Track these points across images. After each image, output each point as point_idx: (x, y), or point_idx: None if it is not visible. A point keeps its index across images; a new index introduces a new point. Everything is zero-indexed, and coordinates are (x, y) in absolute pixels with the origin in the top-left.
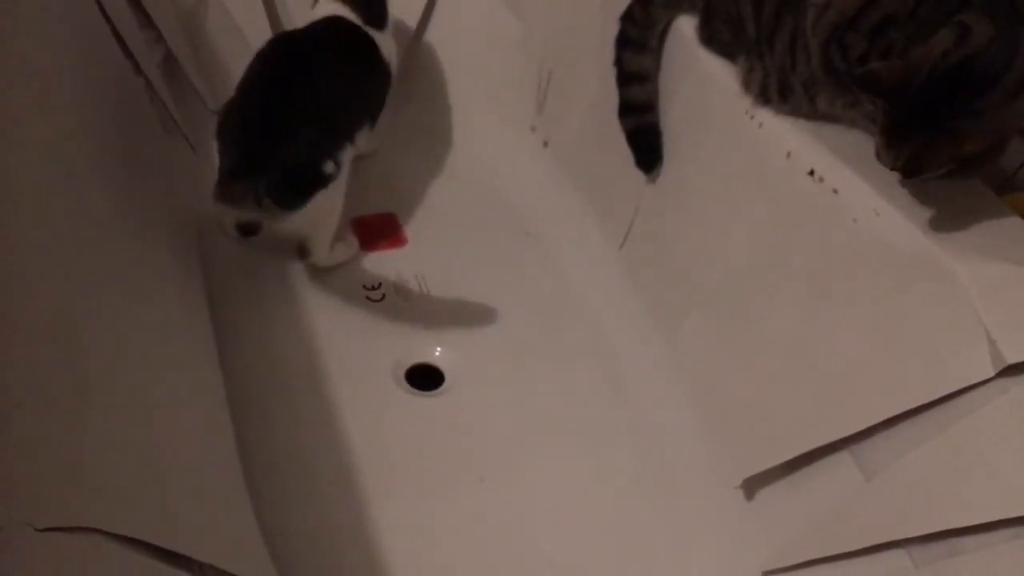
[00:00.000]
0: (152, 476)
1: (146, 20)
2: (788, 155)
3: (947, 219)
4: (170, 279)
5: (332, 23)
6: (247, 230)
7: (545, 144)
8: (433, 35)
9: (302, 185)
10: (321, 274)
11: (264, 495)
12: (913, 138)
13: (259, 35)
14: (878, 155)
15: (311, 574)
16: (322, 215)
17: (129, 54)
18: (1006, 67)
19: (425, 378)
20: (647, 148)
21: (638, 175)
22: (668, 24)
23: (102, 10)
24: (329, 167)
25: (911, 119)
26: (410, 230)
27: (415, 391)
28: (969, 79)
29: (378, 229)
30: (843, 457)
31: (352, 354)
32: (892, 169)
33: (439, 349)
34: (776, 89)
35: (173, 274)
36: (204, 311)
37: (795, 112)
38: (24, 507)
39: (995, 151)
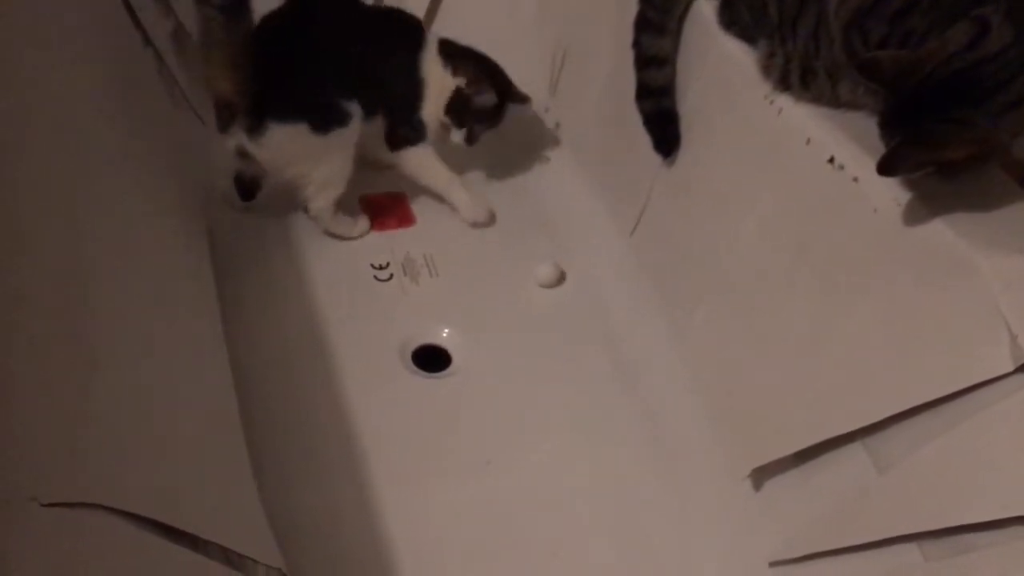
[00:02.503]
0: (156, 453)
1: None
2: (808, 142)
3: (970, 211)
4: (177, 252)
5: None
6: (245, 188)
7: (557, 126)
8: (446, 13)
9: (292, 105)
10: (329, 252)
11: (268, 474)
12: (901, 131)
13: (268, 7)
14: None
15: (314, 554)
16: (308, 157)
17: (139, 26)
18: (1011, 79)
19: (432, 359)
20: (665, 132)
21: (651, 160)
22: (688, 6)
23: None
24: (325, 101)
25: (903, 113)
26: (419, 210)
27: (422, 372)
28: (970, 85)
29: (387, 208)
30: (855, 449)
31: (358, 334)
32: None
33: (446, 330)
34: (798, 75)
35: (180, 247)
36: (210, 286)
37: (816, 99)
38: (28, 482)
39: (979, 160)
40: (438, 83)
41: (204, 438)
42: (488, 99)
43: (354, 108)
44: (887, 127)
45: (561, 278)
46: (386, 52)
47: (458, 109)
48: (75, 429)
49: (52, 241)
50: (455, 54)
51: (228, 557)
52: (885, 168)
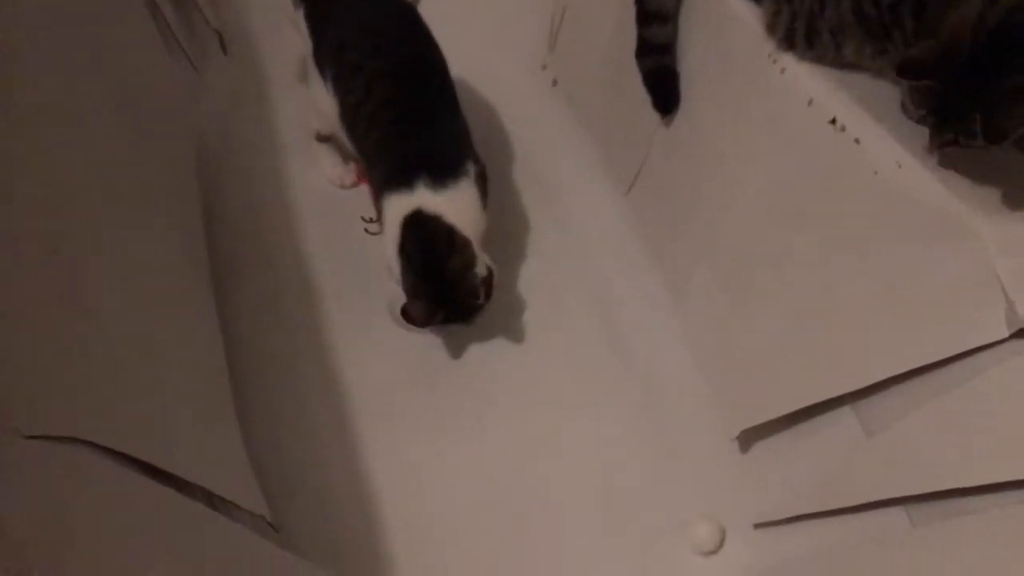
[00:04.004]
0: (144, 395)
1: None
2: (810, 102)
3: (972, 176)
4: (168, 198)
5: None
6: None
7: (555, 83)
8: None
9: None
10: (321, 202)
11: (255, 426)
12: (976, 108)
13: None
14: (904, 108)
15: (300, 505)
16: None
17: None
18: None
19: None
20: (665, 90)
21: (650, 118)
22: None
23: None
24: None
25: (966, 89)
26: None
27: (412, 329)
28: (1018, 33)
29: None
30: (845, 414)
31: (349, 287)
32: (945, 146)
33: None
34: (802, 34)
35: (171, 193)
36: (201, 234)
37: (820, 59)
38: (12, 414)
39: None
40: None
41: (191, 384)
42: None
43: (328, 74)
44: (946, 114)
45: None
46: None
47: None
48: (63, 365)
49: (44, 179)
50: None
51: (212, 501)
52: (994, 136)
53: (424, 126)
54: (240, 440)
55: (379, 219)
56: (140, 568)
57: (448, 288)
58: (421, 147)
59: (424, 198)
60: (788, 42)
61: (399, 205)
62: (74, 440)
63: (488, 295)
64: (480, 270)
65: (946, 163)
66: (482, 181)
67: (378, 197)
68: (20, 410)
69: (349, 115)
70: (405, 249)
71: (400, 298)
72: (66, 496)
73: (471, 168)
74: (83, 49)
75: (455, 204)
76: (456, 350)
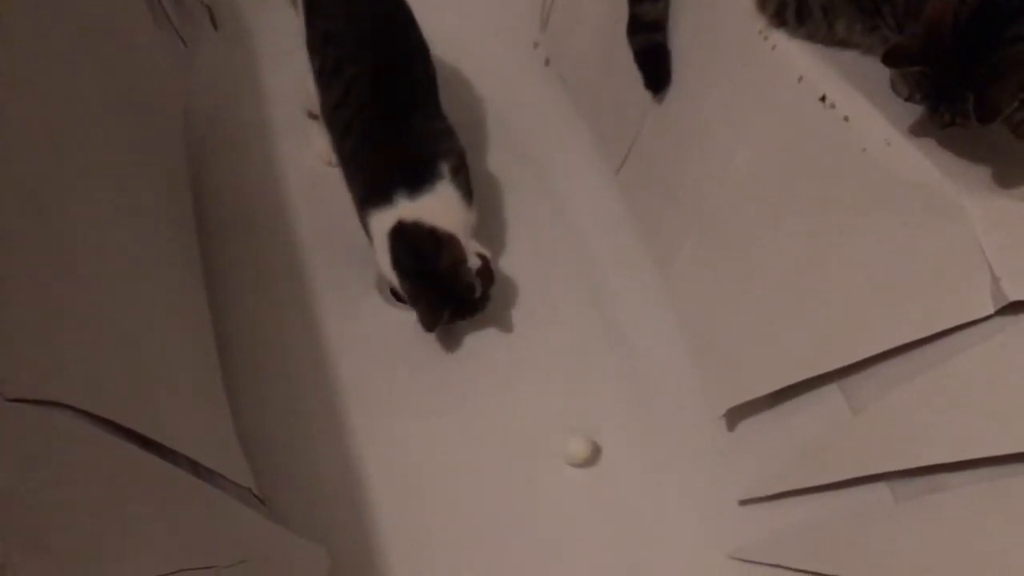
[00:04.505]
0: (130, 363)
1: None
2: (800, 79)
3: (960, 153)
4: (156, 171)
5: None
6: None
7: (547, 62)
8: None
9: None
10: (311, 179)
11: (243, 404)
12: (969, 87)
13: None
14: (893, 86)
15: (287, 483)
16: None
17: None
18: None
19: None
20: (656, 67)
21: (641, 96)
22: None
23: None
24: None
25: (956, 71)
26: None
27: (400, 305)
28: (1000, 8)
29: None
30: (831, 391)
31: (338, 264)
32: (946, 127)
33: None
34: (793, 10)
35: (159, 166)
36: (189, 208)
37: (811, 36)
38: None
39: None
40: None
41: (177, 354)
42: None
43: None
44: (941, 96)
45: (594, 452)
46: None
47: None
48: (47, 328)
49: (29, 141)
50: None
51: (197, 471)
52: (987, 114)
53: (398, 134)
54: (228, 412)
55: (366, 233)
56: (122, 531)
57: (445, 287)
58: (395, 157)
59: (404, 209)
60: (779, 19)
61: (383, 220)
62: (56, 404)
63: (489, 282)
64: (473, 261)
65: (934, 141)
66: (460, 175)
67: (361, 213)
68: (3, 373)
69: (328, 113)
70: (397, 261)
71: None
72: (48, 459)
73: (445, 168)
74: (70, 22)
75: (435, 208)
76: (446, 328)
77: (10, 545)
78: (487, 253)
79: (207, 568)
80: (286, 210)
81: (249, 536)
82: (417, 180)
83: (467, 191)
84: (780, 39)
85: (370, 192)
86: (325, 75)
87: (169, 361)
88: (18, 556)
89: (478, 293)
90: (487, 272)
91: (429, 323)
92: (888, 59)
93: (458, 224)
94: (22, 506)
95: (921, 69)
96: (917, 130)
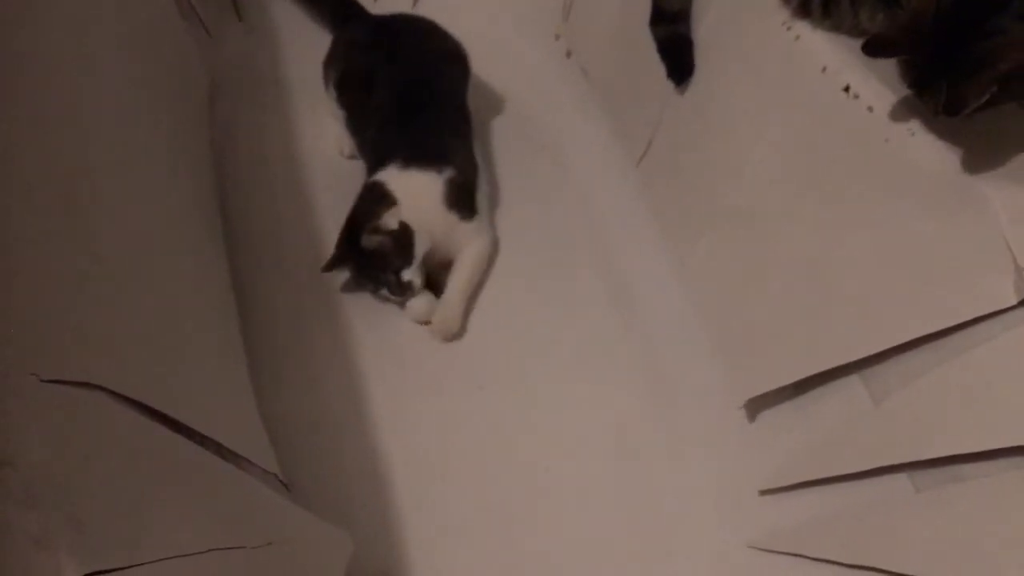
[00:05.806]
0: (158, 346)
1: None
2: (823, 70)
3: (983, 144)
4: (180, 155)
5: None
6: None
7: (568, 54)
8: None
9: None
10: (332, 171)
11: (265, 388)
12: (945, 77)
13: None
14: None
15: (308, 461)
16: None
17: None
18: None
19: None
20: (679, 59)
21: (662, 88)
22: None
23: None
24: None
25: (936, 61)
26: None
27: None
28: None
29: None
30: (853, 382)
31: None
32: (936, 115)
33: None
34: (819, 2)
35: (183, 150)
36: (213, 194)
37: (837, 27)
38: (29, 356)
39: None
40: None
41: (204, 337)
42: None
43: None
44: (924, 85)
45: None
46: None
47: None
48: (80, 311)
49: (59, 128)
50: None
51: (223, 455)
52: (952, 109)
53: (416, 125)
54: (252, 397)
55: None
56: (155, 510)
57: (355, 241)
58: (407, 136)
59: (388, 174)
60: (803, 10)
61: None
62: (90, 385)
63: (403, 255)
64: (389, 224)
65: (958, 131)
66: (456, 188)
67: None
68: (39, 355)
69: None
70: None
71: None
72: (82, 438)
73: (447, 170)
74: (99, 12)
75: (410, 186)
76: (467, 313)
77: (49, 520)
78: (415, 232)
79: (236, 548)
80: (308, 196)
81: (274, 519)
82: (415, 158)
83: (453, 203)
84: (803, 30)
85: (375, 166)
86: (346, 86)
87: (196, 347)
88: (55, 532)
89: (388, 272)
90: (403, 242)
91: (327, 262)
92: (868, 48)
93: (421, 214)
94: (59, 483)
95: (906, 58)
96: (941, 120)
